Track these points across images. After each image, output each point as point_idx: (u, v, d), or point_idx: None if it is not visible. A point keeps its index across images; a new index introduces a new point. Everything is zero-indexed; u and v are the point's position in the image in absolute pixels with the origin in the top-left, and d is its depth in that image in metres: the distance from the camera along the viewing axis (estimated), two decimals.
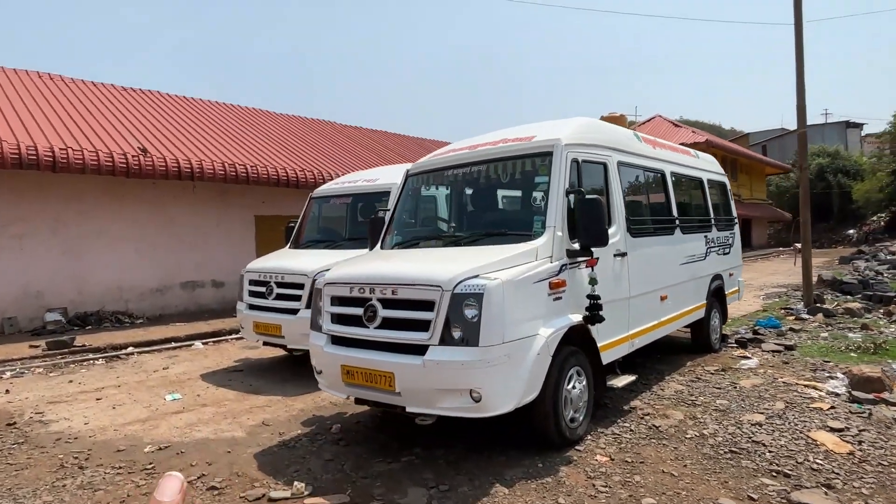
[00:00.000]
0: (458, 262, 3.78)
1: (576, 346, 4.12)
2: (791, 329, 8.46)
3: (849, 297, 11.73)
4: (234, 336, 9.18)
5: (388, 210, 6.40)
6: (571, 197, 4.16)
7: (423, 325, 3.64)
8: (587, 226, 3.99)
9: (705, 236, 6.79)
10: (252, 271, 6.83)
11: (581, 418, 4.16)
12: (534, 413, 3.83)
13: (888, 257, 19.94)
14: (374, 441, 4.38)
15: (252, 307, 6.77)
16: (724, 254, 7.43)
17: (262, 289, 6.58)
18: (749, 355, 6.75)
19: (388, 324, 3.80)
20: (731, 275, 7.65)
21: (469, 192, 4.88)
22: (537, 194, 4.24)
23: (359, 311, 3.93)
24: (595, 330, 4.27)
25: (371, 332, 3.85)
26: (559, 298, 3.96)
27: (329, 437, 4.51)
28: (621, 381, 4.64)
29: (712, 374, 5.90)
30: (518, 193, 4.75)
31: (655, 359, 6.58)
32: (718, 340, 7.23)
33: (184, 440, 4.56)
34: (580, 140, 4.51)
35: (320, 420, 4.99)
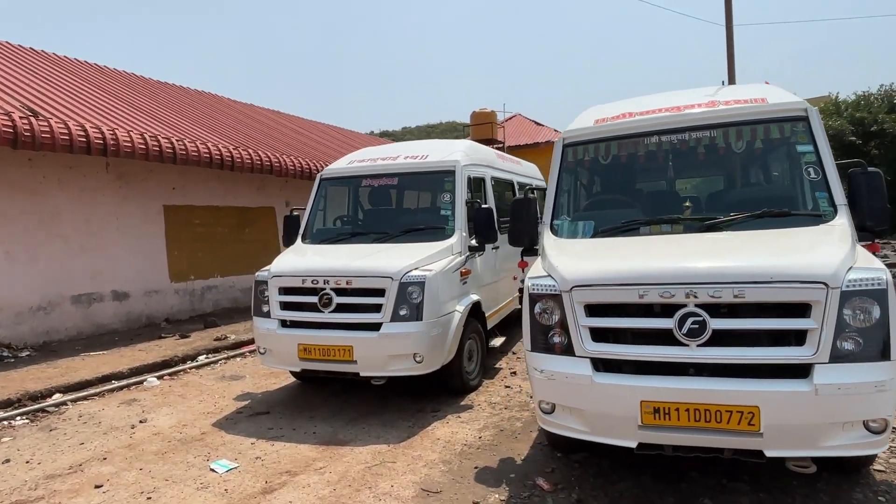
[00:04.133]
0: (809, 247, 2.89)
1: None
2: None
3: None
4: (191, 365, 6.92)
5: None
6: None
7: (781, 337, 2.69)
8: (874, 205, 3.33)
9: None
10: (287, 275, 5.01)
11: None
12: None
13: None
14: (627, 498, 3.25)
15: (289, 324, 4.97)
16: None
17: (312, 298, 4.84)
18: None
19: (718, 340, 2.75)
20: None
21: (684, 162, 3.92)
22: (810, 166, 3.46)
23: (666, 323, 2.80)
24: None
25: (695, 353, 2.75)
26: None
27: (563, 500, 3.25)
28: None
29: None
30: (770, 164, 3.92)
31: None
32: None
33: None
34: None
35: (494, 474, 3.66)
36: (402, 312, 4.66)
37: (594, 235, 3.72)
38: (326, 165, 12.40)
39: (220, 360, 7.17)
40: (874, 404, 2.58)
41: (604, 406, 2.92)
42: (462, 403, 5.08)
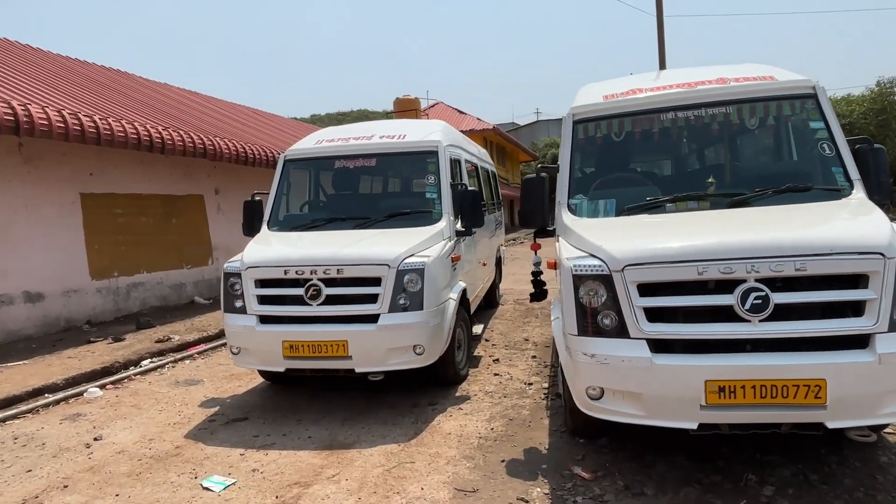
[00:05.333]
0: (855, 219, 2.93)
1: None
2: None
3: None
4: (135, 371, 6.15)
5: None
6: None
7: (835, 309, 2.71)
8: (881, 180, 3.47)
9: None
10: (265, 265, 4.52)
11: None
12: None
13: None
14: (672, 479, 3.18)
15: (268, 320, 4.50)
16: None
17: (296, 290, 4.40)
18: None
19: (778, 314, 2.71)
20: None
21: (698, 138, 3.90)
22: (823, 142, 3.54)
23: (727, 300, 2.73)
24: None
25: (758, 329, 2.70)
26: None
27: (609, 487, 3.12)
28: None
29: None
30: (783, 140, 3.95)
31: None
32: None
33: None
34: None
35: (526, 466, 3.48)
36: (401, 302, 4.34)
37: (618, 214, 3.62)
38: (261, 149, 11.64)
39: (168, 363, 6.44)
40: None
41: (665, 388, 2.81)
42: (457, 395, 4.86)
